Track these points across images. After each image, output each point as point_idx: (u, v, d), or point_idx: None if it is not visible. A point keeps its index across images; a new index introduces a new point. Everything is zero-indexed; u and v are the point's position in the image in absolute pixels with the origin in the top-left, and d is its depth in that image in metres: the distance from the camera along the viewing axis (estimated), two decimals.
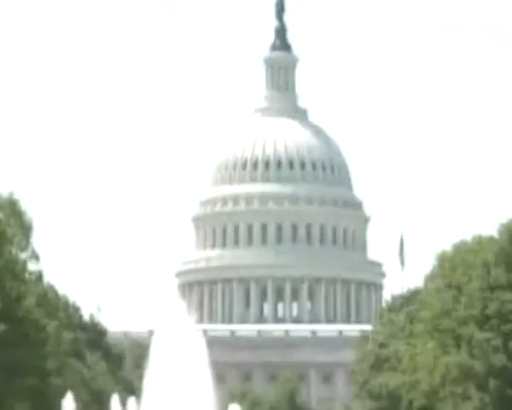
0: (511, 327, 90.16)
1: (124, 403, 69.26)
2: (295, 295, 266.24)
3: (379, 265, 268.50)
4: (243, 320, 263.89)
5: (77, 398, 73.35)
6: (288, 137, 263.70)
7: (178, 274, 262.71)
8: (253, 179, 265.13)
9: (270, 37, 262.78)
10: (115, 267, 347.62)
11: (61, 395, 75.36)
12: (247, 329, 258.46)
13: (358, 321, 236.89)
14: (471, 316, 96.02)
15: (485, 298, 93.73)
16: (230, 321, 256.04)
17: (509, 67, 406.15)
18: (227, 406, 71.58)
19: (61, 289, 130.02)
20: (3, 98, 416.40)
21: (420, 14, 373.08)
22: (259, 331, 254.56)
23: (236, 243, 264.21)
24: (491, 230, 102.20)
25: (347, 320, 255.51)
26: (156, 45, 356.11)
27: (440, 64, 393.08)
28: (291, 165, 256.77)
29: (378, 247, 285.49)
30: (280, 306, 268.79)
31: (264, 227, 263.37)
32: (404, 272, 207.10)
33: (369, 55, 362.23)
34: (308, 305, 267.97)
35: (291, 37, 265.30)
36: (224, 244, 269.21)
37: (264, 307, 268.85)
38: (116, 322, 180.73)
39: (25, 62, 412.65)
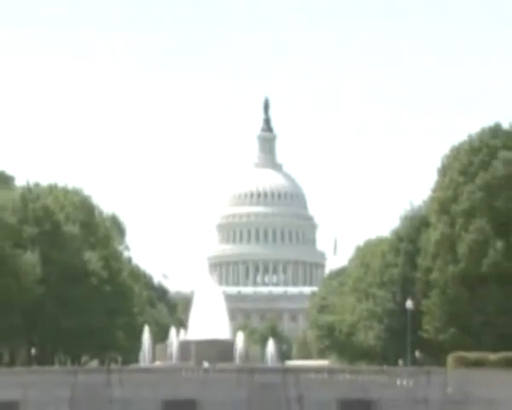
0: (396, 289, 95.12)
1: (177, 332, 74.62)
2: (275, 271, 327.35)
3: (322, 253, 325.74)
4: (245, 284, 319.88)
5: (150, 329, 76.16)
6: (270, 180, 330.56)
7: (208, 258, 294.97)
8: (251, 204, 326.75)
9: (260, 123, 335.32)
10: (175, 253, 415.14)
11: (142, 327, 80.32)
12: (247, 289, 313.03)
13: (311, 285, 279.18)
14: (374, 282, 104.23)
15: (382, 271, 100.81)
16: (238, 285, 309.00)
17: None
18: (235, 333, 74.91)
19: (143, 266, 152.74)
20: None
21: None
22: (254, 291, 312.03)
23: (241, 240, 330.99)
24: (385, 232, 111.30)
25: (304, 284, 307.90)
26: (185, 117, 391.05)
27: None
28: (272, 195, 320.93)
29: (323, 243, 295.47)
30: (266, 277, 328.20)
31: (257, 231, 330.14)
32: (336, 258, 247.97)
33: (323, 137, 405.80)
34: (282, 276, 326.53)
35: (273, 123, 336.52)
36: (234, 242, 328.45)
37: (257, 277, 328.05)
38: (173, 285, 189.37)
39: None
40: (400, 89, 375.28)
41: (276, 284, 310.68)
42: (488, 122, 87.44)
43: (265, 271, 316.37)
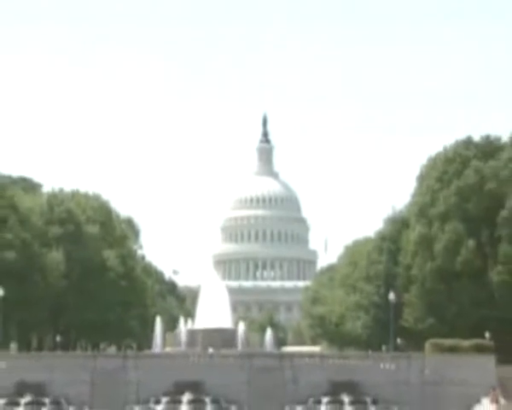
0: (380, 283, 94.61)
1: (186, 322, 73.93)
2: (272, 267, 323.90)
3: (314, 251, 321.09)
4: (246, 279, 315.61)
5: (162, 319, 75.02)
6: (268, 187, 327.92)
7: (213, 256, 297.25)
8: (251, 208, 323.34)
9: (259, 136, 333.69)
10: (183, 251, 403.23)
11: (154, 317, 78.50)
12: (248, 284, 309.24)
13: (304, 279, 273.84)
14: (360, 277, 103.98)
15: (367, 268, 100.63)
16: (239, 280, 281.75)
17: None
18: (237, 322, 73.97)
19: (155, 263, 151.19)
20: None
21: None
22: (254, 285, 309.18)
23: (243, 240, 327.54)
24: (370, 232, 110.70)
25: (298, 279, 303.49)
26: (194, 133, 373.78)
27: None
28: (270, 200, 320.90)
29: (315, 242, 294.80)
30: (264, 272, 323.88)
31: (256, 232, 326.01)
32: (327, 256, 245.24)
33: (315, 148, 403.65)
34: (279, 272, 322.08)
35: (270, 136, 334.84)
36: (236, 241, 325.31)
37: (256, 273, 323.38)
38: (182, 279, 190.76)
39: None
40: (384, 106, 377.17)
41: (274, 279, 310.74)
42: (461, 135, 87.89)
43: (264, 267, 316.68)
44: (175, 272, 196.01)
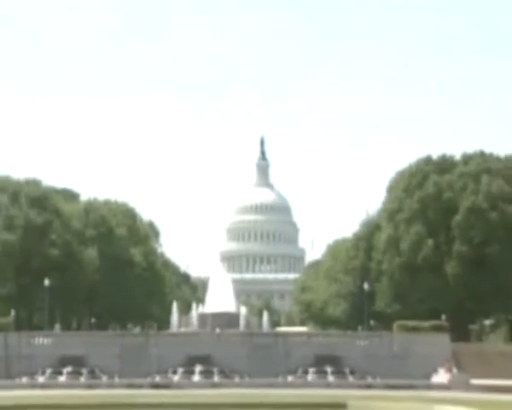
0: (356, 275, 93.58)
1: (197, 307, 71.95)
2: (268, 262, 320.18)
3: (303, 249, 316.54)
4: (246, 272, 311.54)
5: (177, 305, 72.90)
6: (265, 196, 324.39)
7: (220, 253, 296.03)
8: (251, 213, 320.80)
9: (258, 154, 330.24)
10: (196, 248, 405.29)
11: (171, 303, 75.31)
12: (248, 276, 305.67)
13: (294, 272, 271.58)
14: (341, 270, 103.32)
15: (346, 263, 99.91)
16: (241, 272, 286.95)
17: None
18: (239, 307, 72.01)
19: (172, 259, 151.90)
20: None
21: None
22: (253, 277, 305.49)
23: (244, 240, 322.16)
24: (348, 233, 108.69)
25: (290, 272, 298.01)
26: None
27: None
28: (266, 207, 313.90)
29: (303, 242, 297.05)
30: (262, 266, 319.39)
31: (255, 233, 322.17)
32: (313, 252, 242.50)
33: (304, 164, 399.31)
34: (274, 266, 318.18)
35: (267, 154, 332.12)
36: (238, 241, 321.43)
37: (255, 267, 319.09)
38: (195, 272, 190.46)
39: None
40: (361, 128, 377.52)
41: (269, 272, 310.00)
42: (422, 154, 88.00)
43: (261, 262, 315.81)
44: (188, 267, 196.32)
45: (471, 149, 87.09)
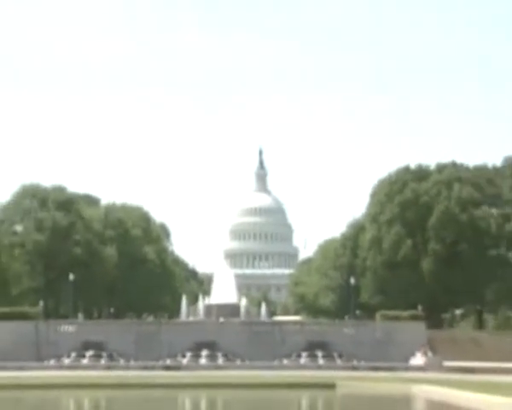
0: (344, 271, 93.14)
1: (204, 299, 70.89)
2: (266, 259, 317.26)
3: (297, 248, 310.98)
4: (247, 268, 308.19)
5: (186, 297, 73.39)
6: (263, 200, 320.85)
7: (224, 251, 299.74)
8: (251, 216, 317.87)
9: (257, 164, 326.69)
10: (202, 247, 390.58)
11: (181, 295, 76.95)
12: (249, 271, 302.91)
13: (289, 268, 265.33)
14: (330, 266, 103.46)
15: (335, 260, 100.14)
16: (242, 268, 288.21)
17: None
18: (240, 299, 71.70)
19: (181, 256, 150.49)
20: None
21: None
22: (253, 272, 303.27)
23: (245, 239, 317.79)
24: (337, 234, 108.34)
25: (285, 268, 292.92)
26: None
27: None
28: (264, 210, 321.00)
29: (297, 241, 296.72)
30: (261, 262, 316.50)
31: (255, 233, 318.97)
32: (305, 251, 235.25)
33: (298, 172, 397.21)
34: (271, 262, 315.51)
35: (265, 164, 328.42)
36: (240, 240, 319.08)
37: (255, 263, 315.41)
38: (201, 268, 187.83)
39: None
40: (348, 140, 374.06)
41: (267, 268, 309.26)
42: (401, 164, 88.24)
43: (260, 259, 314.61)
44: (194, 265, 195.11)
45: (444, 159, 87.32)
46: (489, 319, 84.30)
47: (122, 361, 54.82)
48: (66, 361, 54.10)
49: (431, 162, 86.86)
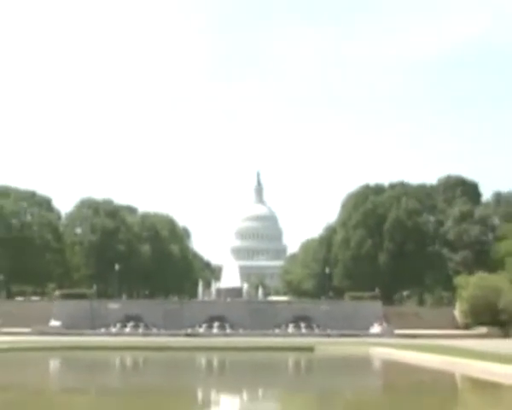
0: (321, 263, 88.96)
1: (215, 284, 70.11)
2: (263, 254, 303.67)
3: (285, 245, 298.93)
4: (248, 260, 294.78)
5: (202, 282, 70.73)
6: (260, 210, 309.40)
7: (231, 248, 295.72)
8: (251, 221, 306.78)
9: (255, 182, 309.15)
10: (215, 245, 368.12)
11: (198, 281, 73.43)
12: (250, 262, 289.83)
13: (280, 260, 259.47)
14: (310, 259, 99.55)
15: (314, 255, 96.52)
16: (244, 260, 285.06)
17: None
18: (243, 283, 70.92)
19: (199, 252, 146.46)
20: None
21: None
22: (251, 264, 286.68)
23: (247, 239, 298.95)
24: (316, 234, 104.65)
25: (278, 260, 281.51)
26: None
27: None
28: (261, 218, 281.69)
29: (286, 240, 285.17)
30: (259, 256, 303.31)
31: (254, 234, 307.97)
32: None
33: (288, 188, 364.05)
34: (266, 256, 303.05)
35: (262, 182, 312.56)
36: (242, 239, 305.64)
37: (254, 257, 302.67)
38: (214, 260, 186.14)
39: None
40: (324, 161, 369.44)
41: (264, 261, 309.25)
42: (362, 182, 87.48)
43: (258, 254, 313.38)
44: (208, 258, 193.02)
45: (395, 179, 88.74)
46: (428, 298, 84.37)
47: (154, 330, 54.36)
48: (113, 330, 53.87)
49: (385, 181, 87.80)
